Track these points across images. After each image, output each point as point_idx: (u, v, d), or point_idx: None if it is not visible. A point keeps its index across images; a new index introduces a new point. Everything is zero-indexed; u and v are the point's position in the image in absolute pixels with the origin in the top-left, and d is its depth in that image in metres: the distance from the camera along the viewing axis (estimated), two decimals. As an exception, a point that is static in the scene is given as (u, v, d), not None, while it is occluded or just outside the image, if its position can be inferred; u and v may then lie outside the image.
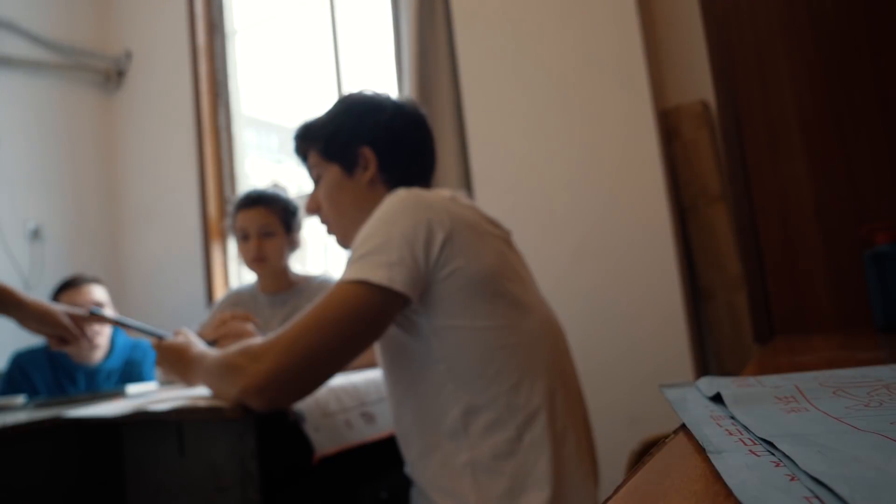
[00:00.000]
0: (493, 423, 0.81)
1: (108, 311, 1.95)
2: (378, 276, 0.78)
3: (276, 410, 0.86)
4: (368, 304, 0.79)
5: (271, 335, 0.82)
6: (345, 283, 0.80)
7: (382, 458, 1.14)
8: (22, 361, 1.86)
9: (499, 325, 0.83)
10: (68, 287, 1.91)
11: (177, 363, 1.03)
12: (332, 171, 0.98)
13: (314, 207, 1.02)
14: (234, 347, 0.86)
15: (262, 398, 0.81)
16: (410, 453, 0.89)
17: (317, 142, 1.00)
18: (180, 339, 1.06)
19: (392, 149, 0.97)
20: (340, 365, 0.81)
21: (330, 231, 1.02)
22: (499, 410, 0.81)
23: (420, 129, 1.00)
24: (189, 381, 1.05)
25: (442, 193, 0.88)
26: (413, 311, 0.84)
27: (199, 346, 1.04)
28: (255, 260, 1.60)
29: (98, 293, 1.93)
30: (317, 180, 1.01)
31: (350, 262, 0.82)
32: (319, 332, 0.78)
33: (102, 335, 1.90)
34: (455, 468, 0.81)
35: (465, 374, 0.82)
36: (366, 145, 0.96)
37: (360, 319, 0.79)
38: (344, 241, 1.02)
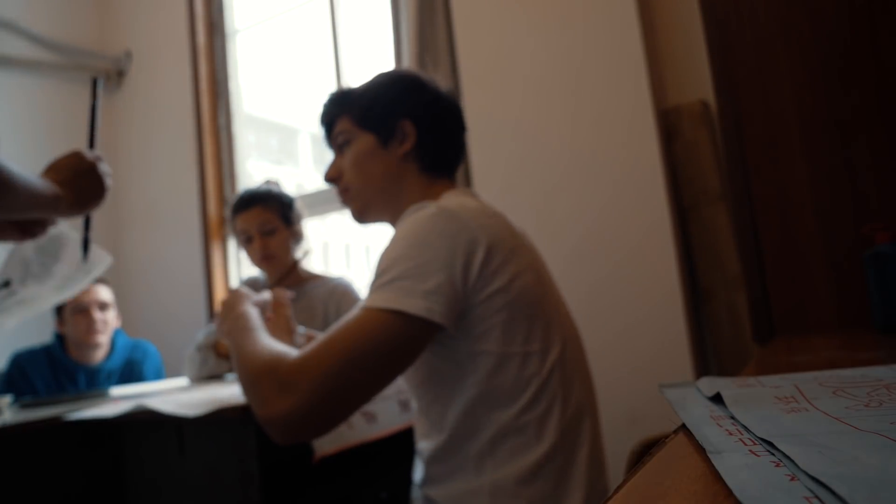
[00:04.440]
0: (520, 447, 0.79)
1: (113, 312, 1.96)
2: (415, 306, 0.73)
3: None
4: (404, 336, 0.74)
5: (299, 355, 0.76)
6: (378, 311, 0.74)
7: (382, 458, 1.14)
8: (21, 361, 1.86)
9: (533, 351, 0.80)
10: None
11: (228, 310, 0.96)
12: (366, 140, 0.94)
13: (335, 175, 0.98)
14: (269, 353, 0.80)
15: (284, 435, 0.74)
16: (432, 470, 0.86)
17: (352, 108, 0.96)
18: (244, 291, 1.02)
19: (431, 128, 0.94)
20: (369, 397, 0.76)
21: (349, 200, 0.98)
22: (527, 436, 0.79)
23: (457, 117, 0.98)
24: (221, 331, 0.96)
25: (471, 205, 0.84)
26: (447, 336, 0.80)
27: (253, 312, 0.96)
28: (262, 259, 1.61)
29: (103, 293, 1.93)
30: (341, 146, 0.97)
31: (379, 285, 0.76)
32: (351, 364, 0.72)
33: (104, 335, 1.91)
34: (475, 489, 0.79)
35: (497, 401, 0.79)
36: (407, 119, 0.93)
37: (394, 352, 0.74)
38: (362, 212, 0.97)
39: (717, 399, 0.36)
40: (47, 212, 0.83)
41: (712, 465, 0.24)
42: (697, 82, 1.56)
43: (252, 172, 2.75)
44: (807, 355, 0.65)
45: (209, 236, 2.53)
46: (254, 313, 0.95)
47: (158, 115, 2.73)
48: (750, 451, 0.25)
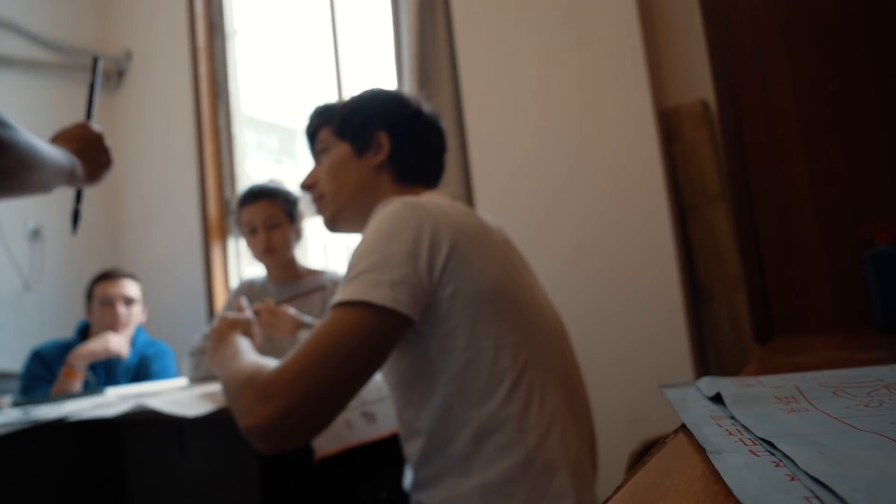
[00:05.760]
0: (504, 446, 0.77)
1: (138, 308, 1.98)
2: (381, 296, 0.73)
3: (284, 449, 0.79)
4: (372, 328, 0.73)
5: (279, 364, 0.76)
6: (345, 307, 0.74)
7: (382, 458, 1.14)
8: (42, 354, 1.87)
9: (507, 344, 0.79)
10: (104, 278, 1.96)
11: (217, 340, 0.97)
12: (342, 149, 0.97)
13: (311, 182, 1.01)
14: (249, 367, 0.81)
15: (267, 443, 0.74)
16: (419, 474, 0.85)
17: (332, 119, 0.99)
18: (239, 316, 1.04)
19: (407, 141, 0.95)
20: (349, 398, 0.75)
21: (321, 208, 1.00)
22: (509, 433, 0.77)
23: (437, 135, 0.99)
24: (211, 360, 0.98)
25: (439, 201, 0.84)
26: (416, 332, 0.80)
27: (242, 340, 0.97)
28: (264, 251, 1.65)
29: (130, 288, 1.96)
30: (319, 154, 1.00)
31: (348, 280, 0.76)
32: (324, 365, 0.72)
33: (127, 329, 1.92)
34: (465, 492, 0.78)
35: (473, 397, 0.78)
36: (383, 130, 0.95)
37: (363, 345, 0.73)
38: (333, 219, 0.99)
39: (717, 399, 0.36)
40: (66, 182, 0.87)
41: (712, 465, 0.24)
42: (697, 82, 1.57)
43: (252, 172, 2.76)
44: (807, 355, 0.65)
45: (209, 236, 2.53)
46: (242, 340, 0.95)
47: (158, 116, 2.72)
48: (750, 451, 0.25)
